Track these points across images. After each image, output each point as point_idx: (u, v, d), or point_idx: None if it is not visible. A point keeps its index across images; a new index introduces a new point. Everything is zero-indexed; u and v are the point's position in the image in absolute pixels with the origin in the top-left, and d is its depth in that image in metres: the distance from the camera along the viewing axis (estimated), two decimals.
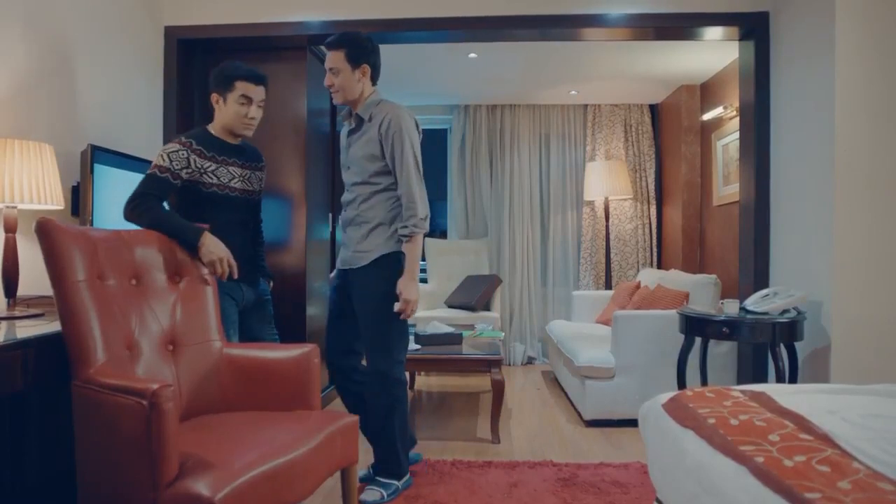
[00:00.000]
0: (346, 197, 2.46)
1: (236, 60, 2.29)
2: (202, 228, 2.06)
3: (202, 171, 2.19)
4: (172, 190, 2.15)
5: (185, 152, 2.16)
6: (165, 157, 2.13)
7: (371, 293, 2.35)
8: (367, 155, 2.35)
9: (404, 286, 2.30)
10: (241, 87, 2.23)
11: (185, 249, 2.04)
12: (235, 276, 2.10)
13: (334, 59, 2.33)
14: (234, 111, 2.24)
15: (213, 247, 2.04)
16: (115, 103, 2.95)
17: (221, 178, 2.25)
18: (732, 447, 1.43)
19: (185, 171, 2.15)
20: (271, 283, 2.55)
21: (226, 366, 2.01)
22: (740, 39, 3.42)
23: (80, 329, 1.62)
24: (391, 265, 2.34)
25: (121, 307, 1.79)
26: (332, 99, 2.42)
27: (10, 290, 2.08)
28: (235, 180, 2.30)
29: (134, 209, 2.06)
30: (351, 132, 2.43)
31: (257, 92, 2.26)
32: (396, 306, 2.31)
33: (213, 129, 2.31)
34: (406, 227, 2.30)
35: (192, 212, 2.21)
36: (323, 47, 2.41)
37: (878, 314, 2.65)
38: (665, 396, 1.91)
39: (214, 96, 2.27)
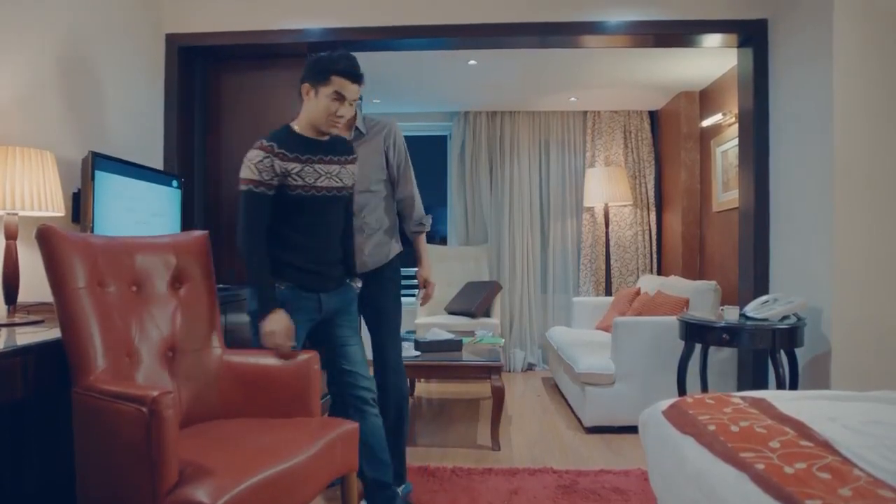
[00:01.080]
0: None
1: (335, 52, 2.10)
2: (273, 306, 1.98)
3: (287, 174, 2.06)
4: (271, 201, 2.06)
5: (269, 160, 2.03)
6: (254, 168, 2.02)
7: (394, 286, 2.54)
8: (372, 165, 2.41)
9: (430, 273, 2.56)
10: (337, 82, 2.06)
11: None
12: (292, 357, 2.01)
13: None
14: (325, 106, 2.07)
15: (272, 329, 1.97)
16: (115, 110, 2.96)
17: (307, 179, 2.10)
18: (733, 454, 1.43)
19: (274, 178, 2.05)
20: (358, 285, 2.37)
21: (226, 373, 2.01)
22: (739, 47, 3.43)
23: (81, 336, 1.63)
24: (400, 262, 2.57)
25: (121, 314, 1.79)
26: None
27: (11, 297, 2.09)
28: (322, 179, 2.13)
29: (241, 247, 2.03)
30: None
31: (352, 91, 2.09)
32: (421, 293, 2.55)
33: (298, 124, 2.15)
34: (422, 224, 2.55)
35: (276, 214, 2.10)
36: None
37: (879, 320, 2.65)
38: (665, 403, 1.91)
39: (306, 87, 2.11)
